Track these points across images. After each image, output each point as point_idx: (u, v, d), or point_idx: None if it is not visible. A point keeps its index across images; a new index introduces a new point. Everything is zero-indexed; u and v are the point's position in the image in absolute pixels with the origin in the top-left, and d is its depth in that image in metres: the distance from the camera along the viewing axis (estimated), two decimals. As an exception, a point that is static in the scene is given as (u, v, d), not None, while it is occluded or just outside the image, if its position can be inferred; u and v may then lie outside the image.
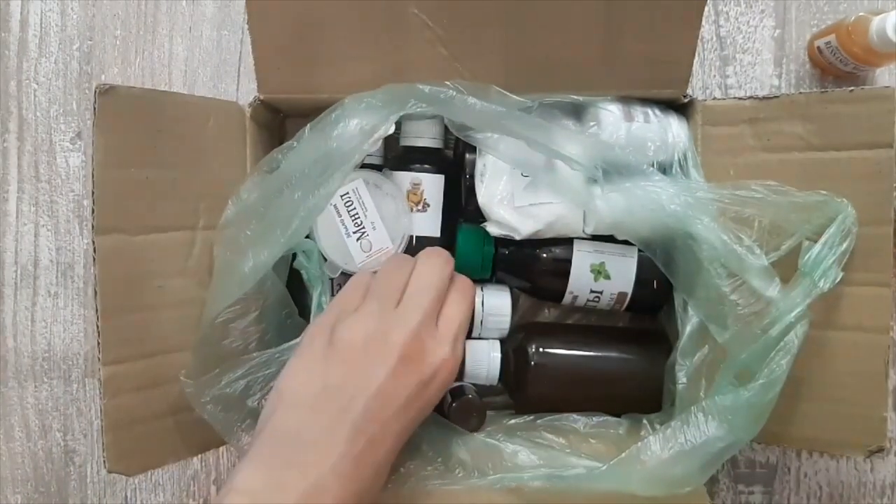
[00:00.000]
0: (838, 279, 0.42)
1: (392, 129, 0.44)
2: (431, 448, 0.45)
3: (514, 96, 0.44)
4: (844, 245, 0.42)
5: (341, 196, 0.49)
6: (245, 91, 0.61)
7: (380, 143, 0.46)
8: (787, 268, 0.43)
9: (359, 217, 0.49)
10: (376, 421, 0.37)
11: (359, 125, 0.43)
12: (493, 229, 0.49)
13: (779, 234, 0.44)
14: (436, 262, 0.44)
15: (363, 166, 0.51)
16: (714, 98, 0.55)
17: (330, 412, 0.37)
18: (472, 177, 0.50)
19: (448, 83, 0.43)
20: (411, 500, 0.44)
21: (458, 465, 0.45)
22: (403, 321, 0.39)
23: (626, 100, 0.48)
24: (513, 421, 0.51)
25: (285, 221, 0.43)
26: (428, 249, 0.45)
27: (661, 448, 0.42)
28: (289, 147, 0.45)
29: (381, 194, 0.49)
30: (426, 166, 0.50)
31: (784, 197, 0.43)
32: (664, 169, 0.48)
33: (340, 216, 0.49)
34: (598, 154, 0.45)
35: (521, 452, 0.45)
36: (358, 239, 0.49)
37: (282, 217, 0.43)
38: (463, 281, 0.45)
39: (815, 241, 0.43)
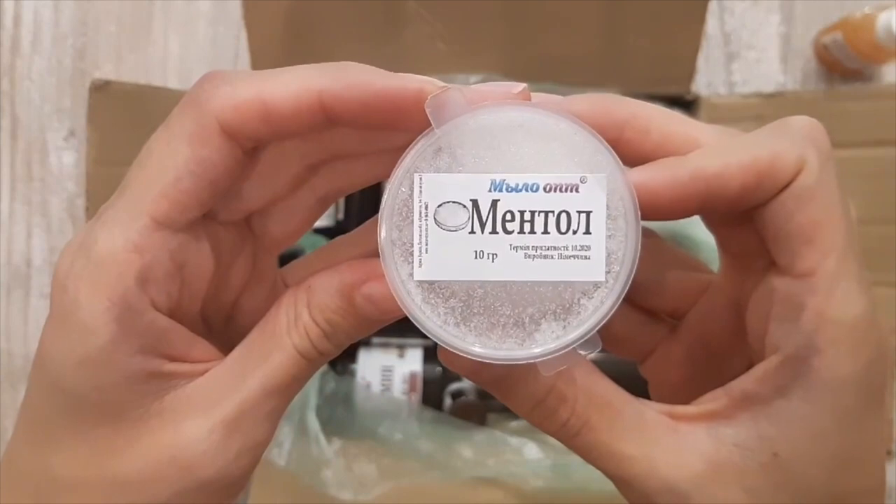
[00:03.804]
0: None
1: None
2: (429, 445, 0.45)
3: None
4: None
5: None
6: (241, 88, 0.60)
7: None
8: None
9: None
10: None
11: None
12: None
13: None
14: None
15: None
16: (719, 95, 0.54)
17: None
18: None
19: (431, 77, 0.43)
20: (409, 500, 0.43)
21: (460, 459, 0.44)
22: None
23: (630, 96, 0.47)
24: (514, 423, 0.50)
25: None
26: None
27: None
28: None
29: None
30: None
31: None
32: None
33: None
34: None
35: (527, 445, 0.44)
36: None
37: None
38: None
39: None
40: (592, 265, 0.17)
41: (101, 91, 0.41)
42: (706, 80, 0.59)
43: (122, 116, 0.42)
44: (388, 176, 0.19)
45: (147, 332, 0.17)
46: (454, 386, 0.52)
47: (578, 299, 0.18)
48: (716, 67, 0.59)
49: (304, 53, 0.45)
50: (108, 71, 0.61)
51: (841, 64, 0.56)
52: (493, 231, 0.17)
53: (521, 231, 0.17)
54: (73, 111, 0.60)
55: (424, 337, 0.59)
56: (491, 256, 0.17)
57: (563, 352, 0.17)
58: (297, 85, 0.18)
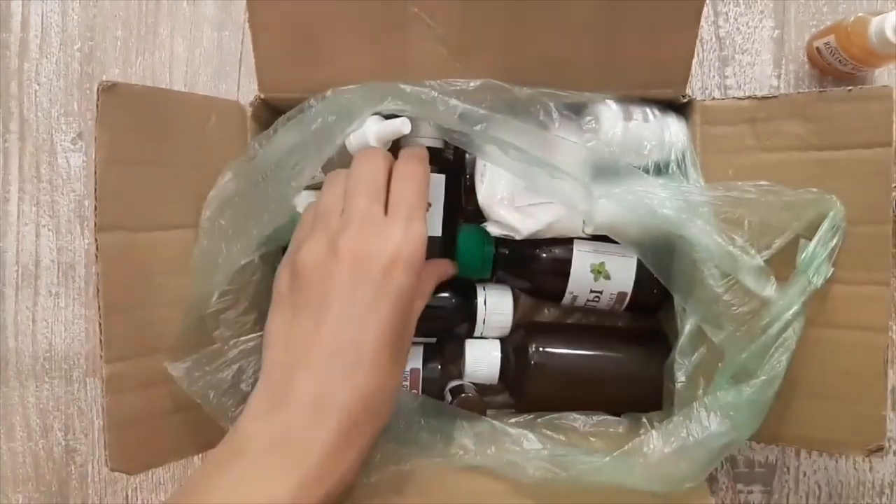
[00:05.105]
0: (830, 275, 0.43)
1: (408, 129, 0.44)
2: (430, 433, 0.45)
3: (512, 87, 0.44)
4: (835, 241, 0.43)
5: None
6: (246, 91, 0.61)
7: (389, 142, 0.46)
8: (777, 266, 0.44)
9: None
10: (348, 333, 0.37)
11: (335, 120, 0.43)
12: (493, 229, 0.49)
13: (770, 233, 0.44)
14: (365, 157, 0.42)
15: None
16: (713, 98, 0.55)
17: (301, 343, 0.37)
18: (472, 176, 0.51)
19: (433, 82, 0.43)
20: (409, 484, 0.44)
21: (460, 448, 0.45)
22: (345, 227, 0.38)
23: (626, 99, 0.48)
24: (513, 420, 0.51)
25: (258, 212, 0.44)
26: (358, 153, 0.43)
27: (664, 443, 0.42)
28: (266, 136, 0.45)
29: None
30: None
31: (775, 196, 0.44)
32: (660, 168, 0.48)
33: None
34: (589, 162, 0.45)
35: (526, 436, 0.45)
36: None
37: (255, 208, 0.44)
38: (408, 155, 0.43)
39: (809, 239, 0.43)
40: None
41: (110, 93, 0.42)
42: (700, 84, 0.60)
43: (130, 118, 0.43)
44: None
45: None
46: (454, 383, 0.53)
47: None
48: (710, 71, 0.60)
49: (308, 57, 0.46)
50: (115, 74, 0.62)
51: (834, 67, 0.57)
52: None
53: None
54: (80, 114, 0.62)
55: (424, 336, 0.59)
56: None
57: None
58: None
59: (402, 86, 0.43)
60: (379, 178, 0.41)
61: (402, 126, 0.45)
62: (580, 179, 0.43)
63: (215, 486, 0.35)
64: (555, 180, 0.43)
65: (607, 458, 0.42)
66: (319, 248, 0.38)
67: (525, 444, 0.45)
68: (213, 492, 0.34)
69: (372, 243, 0.38)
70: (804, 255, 0.43)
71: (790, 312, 0.42)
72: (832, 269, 0.43)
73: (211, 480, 0.35)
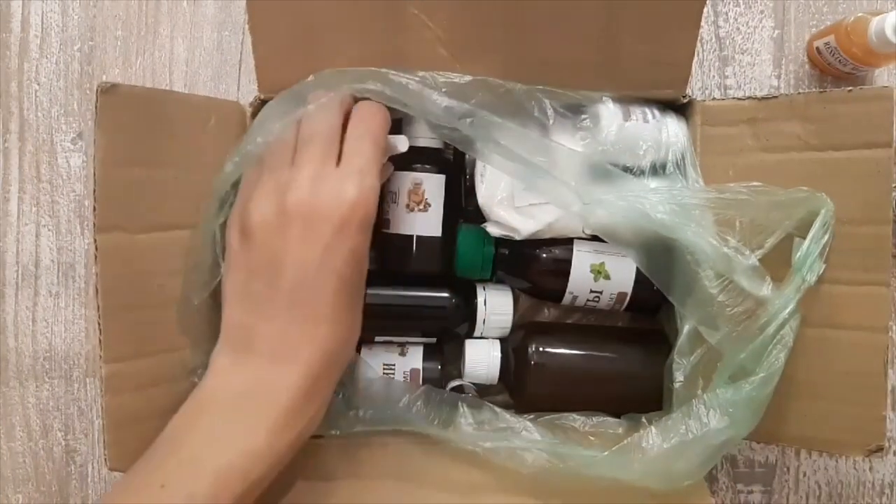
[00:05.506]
0: (822, 271, 0.43)
1: (405, 148, 0.45)
2: (431, 418, 0.46)
3: (509, 83, 0.44)
4: (825, 238, 0.43)
5: None
6: (246, 91, 0.61)
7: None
8: (769, 265, 0.44)
9: None
10: (305, 290, 0.37)
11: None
12: (493, 229, 0.49)
13: (761, 233, 0.44)
14: (320, 106, 0.41)
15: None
16: (713, 98, 0.55)
17: (259, 301, 0.38)
18: (472, 177, 0.51)
19: (423, 72, 0.43)
20: (406, 471, 0.45)
21: (459, 433, 0.46)
22: (294, 182, 0.38)
23: (626, 99, 0.48)
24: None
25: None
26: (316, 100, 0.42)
27: (663, 439, 0.42)
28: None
29: None
30: (427, 166, 0.50)
31: (767, 196, 0.44)
32: (657, 169, 0.48)
33: None
34: (583, 165, 0.45)
35: (526, 426, 0.46)
36: None
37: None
38: (363, 108, 0.42)
39: (801, 237, 0.43)
40: None
41: (109, 94, 0.42)
42: (700, 84, 0.60)
43: (129, 118, 0.43)
44: None
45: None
46: (454, 383, 0.53)
47: None
48: (710, 71, 0.60)
49: (307, 58, 0.46)
50: (115, 75, 0.62)
51: (834, 68, 0.57)
52: None
53: None
54: (80, 114, 0.62)
55: (424, 336, 0.59)
56: None
57: None
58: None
59: (391, 73, 0.42)
60: (334, 127, 0.40)
61: (399, 144, 0.45)
62: (569, 184, 0.43)
63: (187, 439, 0.36)
64: (547, 184, 0.43)
65: (606, 453, 0.42)
66: (268, 206, 0.38)
67: (524, 434, 0.45)
68: (185, 445, 0.35)
69: (323, 202, 0.37)
70: (799, 253, 0.43)
71: (787, 311, 0.42)
72: (824, 266, 0.43)
73: (181, 435, 0.36)
